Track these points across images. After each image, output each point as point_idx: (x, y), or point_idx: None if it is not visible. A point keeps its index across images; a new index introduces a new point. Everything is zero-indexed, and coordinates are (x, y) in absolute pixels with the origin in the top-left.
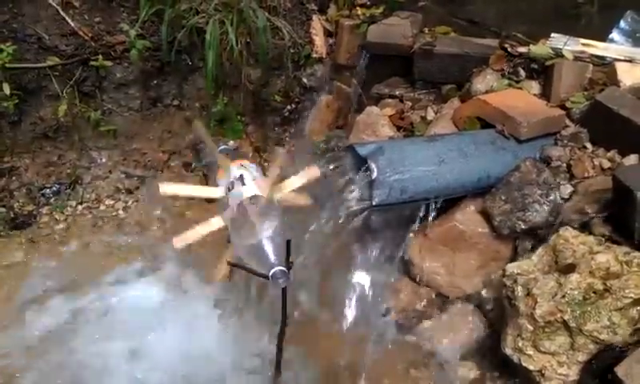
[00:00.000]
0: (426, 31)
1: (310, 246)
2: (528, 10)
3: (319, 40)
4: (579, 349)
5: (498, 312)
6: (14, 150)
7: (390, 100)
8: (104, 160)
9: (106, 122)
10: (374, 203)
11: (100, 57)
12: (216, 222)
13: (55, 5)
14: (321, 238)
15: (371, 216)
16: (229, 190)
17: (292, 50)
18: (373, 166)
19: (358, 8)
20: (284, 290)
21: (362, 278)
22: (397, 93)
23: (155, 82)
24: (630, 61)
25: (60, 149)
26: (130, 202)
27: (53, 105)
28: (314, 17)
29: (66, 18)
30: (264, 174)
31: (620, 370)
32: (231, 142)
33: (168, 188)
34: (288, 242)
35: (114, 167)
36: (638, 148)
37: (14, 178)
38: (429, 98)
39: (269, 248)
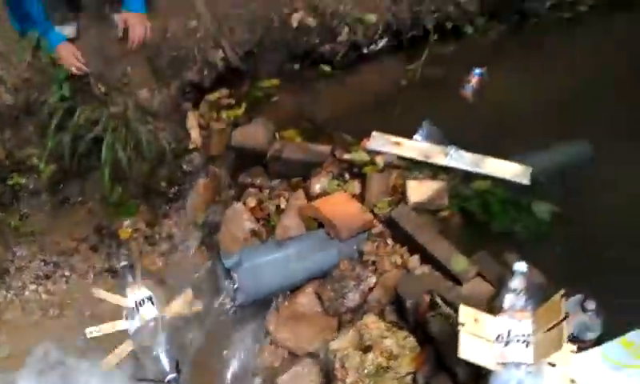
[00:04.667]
0: (277, 136)
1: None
2: (359, 108)
3: (194, 133)
4: None
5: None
6: None
7: (252, 189)
8: (25, 253)
9: (25, 225)
10: (236, 304)
11: (15, 175)
12: (124, 324)
13: None
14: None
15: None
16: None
17: (172, 146)
18: (235, 276)
19: (222, 111)
20: None
21: (237, 348)
22: (257, 182)
23: (62, 185)
24: (427, 159)
25: None
26: (49, 286)
27: None
28: (189, 114)
29: None
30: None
31: None
32: None
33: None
34: (177, 362)
35: (33, 257)
36: (419, 250)
37: None
38: (282, 186)
39: (164, 359)
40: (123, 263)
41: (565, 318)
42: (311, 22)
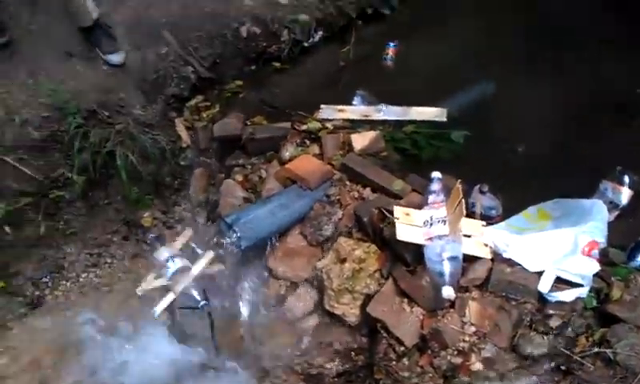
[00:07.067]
0: (249, 123)
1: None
2: (308, 89)
3: (184, 134)
4: (357, 299)
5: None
6: None
7: (237, 168)
8: (72, 250)
9: (68, 228)
10: (242, 248)
11: (54, 190)
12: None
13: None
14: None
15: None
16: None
17: (169, 147)
18: (237, 229)
19: (202, 112)
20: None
21: (247, 281)
22: (240, 162)
23: (91, 193)
24: (366, 117)
25: None
26: (97, 272)
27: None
28: (176, 120)
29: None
30: None
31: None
32: None
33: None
34: (204, 291)
35: (79, 252)
36: (369, 184)
37: None
38: (260, 161)
39: (195, 292)
40: (152, 235)
41: (462, 199)
42: (257, 30)
